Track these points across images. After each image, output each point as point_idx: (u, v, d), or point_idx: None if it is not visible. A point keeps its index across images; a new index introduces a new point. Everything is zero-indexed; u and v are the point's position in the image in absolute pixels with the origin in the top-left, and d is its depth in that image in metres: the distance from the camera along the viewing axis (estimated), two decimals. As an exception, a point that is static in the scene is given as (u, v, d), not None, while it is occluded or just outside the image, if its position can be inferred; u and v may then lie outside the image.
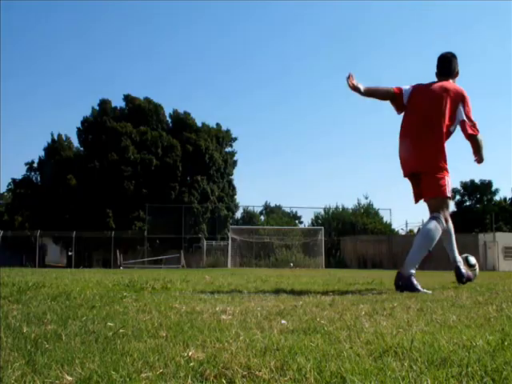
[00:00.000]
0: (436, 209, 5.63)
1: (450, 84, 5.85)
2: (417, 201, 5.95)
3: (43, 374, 1.77)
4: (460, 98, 5.74)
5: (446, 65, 5.99)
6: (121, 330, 2.57)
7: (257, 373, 1.75)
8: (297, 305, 3.83)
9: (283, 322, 2.90)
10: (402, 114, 5.95)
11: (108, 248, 39.09)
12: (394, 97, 5.90)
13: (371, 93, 5.94)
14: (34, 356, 2.01)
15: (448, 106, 5.66)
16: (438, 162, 5.65)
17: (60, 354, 2.03)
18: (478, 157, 5.85)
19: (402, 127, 5.91)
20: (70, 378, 1.70)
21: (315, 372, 1.73)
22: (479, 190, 56.67)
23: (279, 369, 1.80)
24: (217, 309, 3.51)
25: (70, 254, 43.21)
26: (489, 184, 56.60)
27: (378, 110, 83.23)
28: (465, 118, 5.67)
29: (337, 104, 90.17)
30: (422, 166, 5.71)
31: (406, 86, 5.92)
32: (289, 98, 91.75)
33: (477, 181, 56.87)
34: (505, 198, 57.05)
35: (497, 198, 56.67)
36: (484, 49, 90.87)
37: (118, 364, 1.88)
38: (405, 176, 5.91)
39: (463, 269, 5.83)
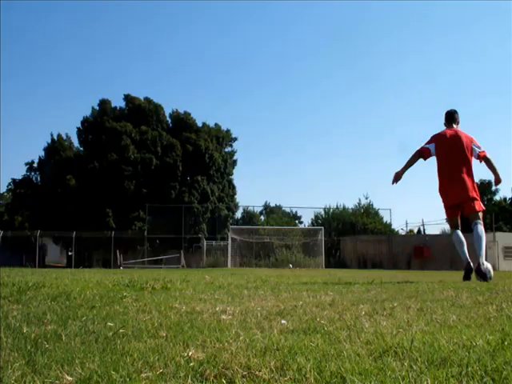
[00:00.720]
0: (479, 218, 7.96)
1: (460, 131, 8.15)
2: (454, 215, 8.32)
3: (43, 374, 1.77)
4: (470, 140, 8.05)
5: (453, 117, 8.37)
6: (121, 330, 2.57)
7: (257, 373, 1.75)
8: (297, 305, 3.83)
9: (283, 322, 2.90)
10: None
11: (108, 248, 39.07)
12: (423, 157, 8.14)
13: (407, 168, 8.19)
14: (34, 356, 2.01)
15: (468, 146, 7.98)
16: (476, 189, 8.24)
17: (60, 354, 2.04)
18: (496, 176, 8.50)
19: (441, 169, 8.14)
20: (70, 378, 1.70)
21: (315, 372, 1.73)
22: (479, 190, 56.44)
23: (279, 369, 1.80)
24: (217, 309, 3.52)
25: (70, 254, 43.20)
26: (489, 184, 56.53)
27: (377, 111, 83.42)
28: (479, 151, 8.07)
29: (337, 104, 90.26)
30: (468, 195, 8.07)
31: (429, 144, 8.13)
32: (289, 98, 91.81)
33: (476, 181, 56.72)
34: (505, 198, 57.05)
35: (497, 197, 56.70)
36: (484, 48, 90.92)
37: (118, 364, 1.88)
38: (451, 206, 8.22)
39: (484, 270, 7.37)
